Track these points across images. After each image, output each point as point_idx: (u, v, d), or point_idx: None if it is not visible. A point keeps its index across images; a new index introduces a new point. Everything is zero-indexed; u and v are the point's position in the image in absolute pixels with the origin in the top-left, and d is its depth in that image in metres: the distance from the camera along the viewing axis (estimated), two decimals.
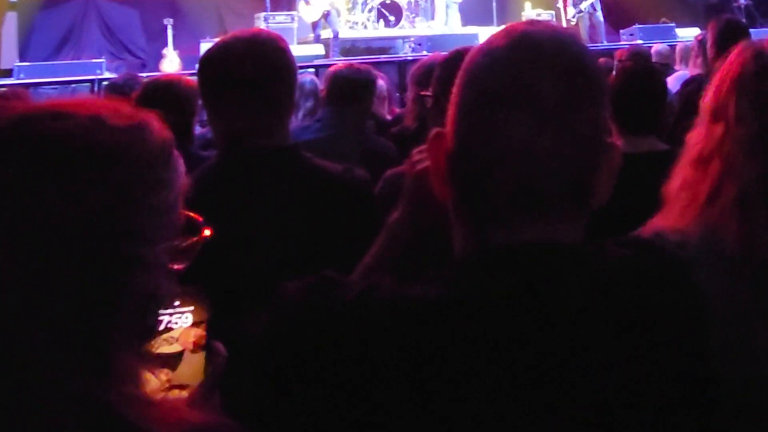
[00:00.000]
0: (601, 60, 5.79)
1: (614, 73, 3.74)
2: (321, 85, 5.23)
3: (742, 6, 16.17)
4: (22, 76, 11.96)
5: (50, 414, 0.98)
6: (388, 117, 6.25)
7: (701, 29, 11.88)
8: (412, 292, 1.15)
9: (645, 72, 3.68)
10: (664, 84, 3.82)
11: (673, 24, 15.48)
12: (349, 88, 4.73)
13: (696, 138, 1.90)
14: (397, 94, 8.81)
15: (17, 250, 1.01)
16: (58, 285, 1.02)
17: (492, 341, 1.12)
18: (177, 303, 1.50)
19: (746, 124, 1.80)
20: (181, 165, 1.20)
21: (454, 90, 1.26)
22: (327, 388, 1.12)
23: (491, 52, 1.23)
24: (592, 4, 15.48)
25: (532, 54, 1.19)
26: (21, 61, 14.05)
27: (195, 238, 1.27)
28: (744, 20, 12.30)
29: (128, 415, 1.01)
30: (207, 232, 1.30)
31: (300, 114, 5.39)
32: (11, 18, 16.20)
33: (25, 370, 0.98)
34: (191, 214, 1.25)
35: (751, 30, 6.90)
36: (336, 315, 1.16)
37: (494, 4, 16.39)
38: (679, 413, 1.19)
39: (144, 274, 1.10)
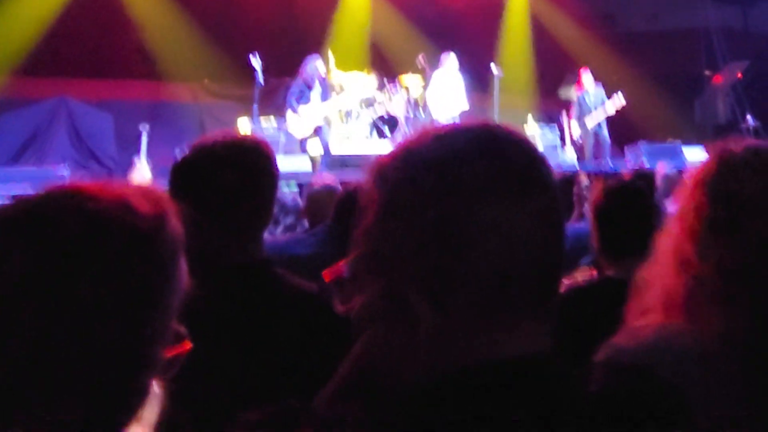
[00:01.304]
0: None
1: (599, 195, 3.71)
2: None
3: (750, 127, 16.56)
4: None
5: None
6: None
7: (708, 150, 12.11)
8: (381, 422, 1.14)
9: (629, 192, 3.63)
10: (652, 204, 3.67)
11: (679, 143, 15.83)
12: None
13: (664, 244, 2.10)
14: None
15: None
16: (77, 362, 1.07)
17: None
18: None
19: (710, 215, 1.97)
20: (185, 266, 1.27)
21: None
22: None
23: (416, 153, 1.24)
24: (598, 123, 15.96)
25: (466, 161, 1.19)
26: None
27: (179, 350, 1.29)
28: None
29: None
30: (188, 345, 1.32)
31: (279, 230, 5.40)
32: None
33: None
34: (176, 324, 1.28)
35: None
36: None
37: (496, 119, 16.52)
38: None
39: (149, 373, 1.18)
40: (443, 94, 15.65)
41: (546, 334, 1.22)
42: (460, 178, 1.16)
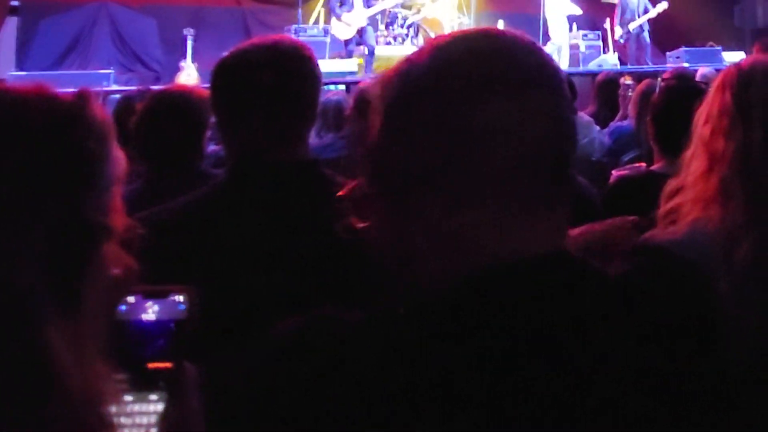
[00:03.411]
0: (646, 81, 5.84)
1: (657, 92, 3.74)
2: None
3: None
4: None
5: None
6: None
7: (747, 53, 12.05)
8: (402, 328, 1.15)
9: (689, 92, 3.60)
10: None
11: (719, 48, 15.82)
12: None
13: (693, 151, 2.33)
14: None
15: None
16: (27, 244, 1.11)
17: (511, 375, 1.09)
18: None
19: (737, 125, 2.21)
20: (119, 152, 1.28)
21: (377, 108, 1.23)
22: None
23: (416, 64, 1.22)
24: (640, 25, 16.05)
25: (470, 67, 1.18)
26: (18, 71, 14.19)
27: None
28: None
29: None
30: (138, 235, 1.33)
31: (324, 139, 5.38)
32: (11, 23, 16.32)
33: None
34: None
35: None
36: (335, 353, 1.15)
37: (540, 27, 16.47)
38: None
39: (107, 245, 1.20)
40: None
41: (563, 228, 1.22)
42: (456, 80, 1.16)
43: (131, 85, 11.26)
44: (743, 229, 2.11)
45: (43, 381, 1.09)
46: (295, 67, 2.43)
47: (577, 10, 16.59)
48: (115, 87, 11.76)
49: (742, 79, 2.29)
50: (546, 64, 1.22)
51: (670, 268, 1.28)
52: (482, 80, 1.15)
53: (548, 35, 16.47)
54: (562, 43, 16.41)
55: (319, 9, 17.61)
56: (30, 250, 1.11)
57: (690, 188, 2.29)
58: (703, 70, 8.75)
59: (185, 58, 15.30)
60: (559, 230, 1.21)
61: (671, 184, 2.38)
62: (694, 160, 2.33)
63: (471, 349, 1.10)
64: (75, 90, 1.25)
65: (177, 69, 15.30)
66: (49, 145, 1.16)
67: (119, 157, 1.27)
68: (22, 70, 14.56)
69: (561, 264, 1.18)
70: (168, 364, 1.40)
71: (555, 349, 1.11)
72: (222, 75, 2.46)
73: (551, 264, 1.17)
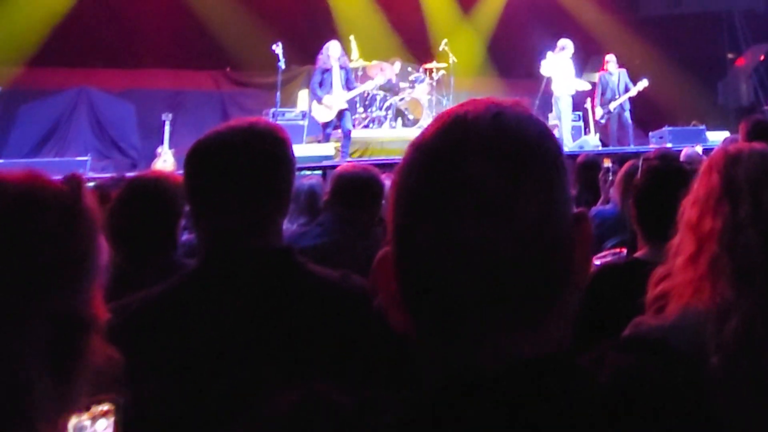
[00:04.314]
0: (630, 162, 5.86)
1: (639, 173, 3.72)
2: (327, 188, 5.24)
3: None
4: None
5: None
6: None
7: (731, 132, 12.20)
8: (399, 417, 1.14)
9: (671, 172, 3.60)
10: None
11: (703, 127, 16.11)
12: (354, 191, 4.72)
13: (681, 237, 2.39)
14: None
15: None
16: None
17: None
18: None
19: (724, 204, 2.27)
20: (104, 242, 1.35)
21: (389, 196, 1.21)
22: None
23: (419, 144, 1.19)
24: (621, 105, 16.24)
25: (464, 138, 1.14)
26: None
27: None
28: None
29: None
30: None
31: (294, 225, 5.37)
32: None
33: None
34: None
35: None
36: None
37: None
38: None
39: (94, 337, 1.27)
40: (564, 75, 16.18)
41: (558, 332, 1.17)
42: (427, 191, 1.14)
43: (107, 172, 11.32)
44: (733, 303, 2.17)
45: None
46: (269, 149, 2.42)
47: (586, 86, 16.69)
48: (91, 174, 11.78)
49: (728, 160, 2.36)
50: (548, 152, 1.19)
51: (665, 372, 1.22)
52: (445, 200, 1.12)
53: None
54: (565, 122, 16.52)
55: (297, 92, 17.80)
56: (33, 345, 1.17)
57: (679, 273, 2.33)
58: (687, 151, 8.84)
59: (162, 143, 15.39)
60: (557, 330, 1.17)
61: (659, 272, 2.46)
62: (681, 245, 2.38)
63: None
64: (64, 177, 1.32)
65: (154, 155, 15.43)
66: (52, 242, 1.22)
67: (104, 247, 1.34)
68: (0, 156, 14.72)
69: (549, 369, 1.13)
70: None
71: None
72: (195, 157, 2.42)
73: (540, 369, 1.13)
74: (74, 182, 1.31)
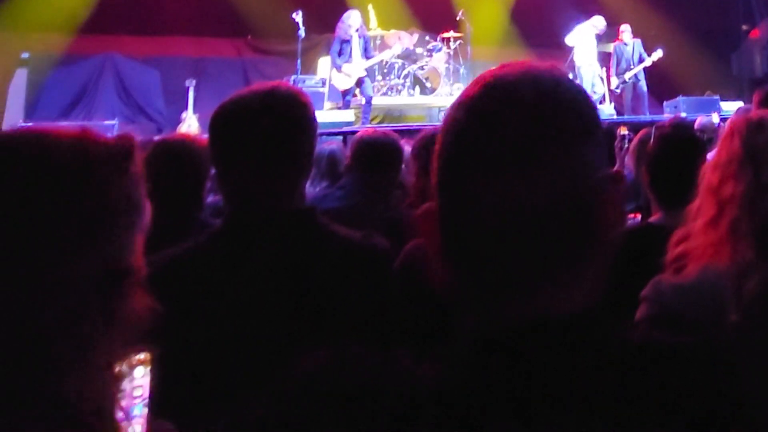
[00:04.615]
0: (644, 130, 5.85)
1: (652, 140, 3.73)
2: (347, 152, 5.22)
3: None
4: None
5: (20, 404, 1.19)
6: None
7: (745, 103, 12.07)
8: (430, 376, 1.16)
9: (683, 140, 3.63)
10: (705, 157, 3.65)
11: (717, 97, 15.74)
12: (375, 155, 4.72)
13: (701, 201, 2.41)
14: None
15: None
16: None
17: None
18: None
19: (746, 168, 2.33)
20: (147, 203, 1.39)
21: (435, 153, 1.24)
22: None
23: (464, 103, 1.22)
24: (636, 75, 15.99)
25: (505, 98, 1.19)
26: (26, 122, 14.20)
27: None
28: None
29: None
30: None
31: (316, 189, 5.38)
32: (21, 75, 16.49)
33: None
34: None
35: None
36: (363, 395, 1.15)
37: None
38: None
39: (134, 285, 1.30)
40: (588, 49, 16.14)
41: (588, 290, 1.20)
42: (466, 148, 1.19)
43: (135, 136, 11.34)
44: (753, 264, 2.24)
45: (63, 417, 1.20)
46: (291, 112, 2.43)
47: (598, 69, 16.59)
48: None
49: (751, 126, 2.41)
50: (581, 112, 1.24)
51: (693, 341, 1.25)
52: (483, 153, 1.17)
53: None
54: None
55: (318, 60, 17.75)
56: (86, 284, 1.23)
57: (699, 235, 2.40)
58: (701, 120, 8.77)
59: (187, 109, 15.36)
60: (588, 289, 1.20)
61: (678, 234, 2.49)
62: (702, 209, 2.43)
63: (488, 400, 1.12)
64: (117, 136, 1.38)
65: (179, 120, 15.33)
66: (105, 192, 1.27)
67: (147, 204, 1.38)
68: (30, 120, 14.65)
69: (580, 326, 1.17)
70: None
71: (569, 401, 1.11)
72: (219, 120, 2.46)
73: (576, 326, 1.17)
74: (126, 140, 1.36)
